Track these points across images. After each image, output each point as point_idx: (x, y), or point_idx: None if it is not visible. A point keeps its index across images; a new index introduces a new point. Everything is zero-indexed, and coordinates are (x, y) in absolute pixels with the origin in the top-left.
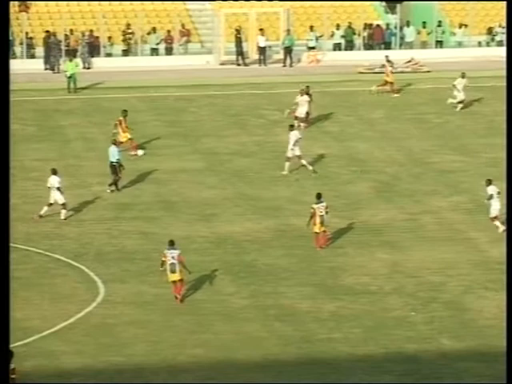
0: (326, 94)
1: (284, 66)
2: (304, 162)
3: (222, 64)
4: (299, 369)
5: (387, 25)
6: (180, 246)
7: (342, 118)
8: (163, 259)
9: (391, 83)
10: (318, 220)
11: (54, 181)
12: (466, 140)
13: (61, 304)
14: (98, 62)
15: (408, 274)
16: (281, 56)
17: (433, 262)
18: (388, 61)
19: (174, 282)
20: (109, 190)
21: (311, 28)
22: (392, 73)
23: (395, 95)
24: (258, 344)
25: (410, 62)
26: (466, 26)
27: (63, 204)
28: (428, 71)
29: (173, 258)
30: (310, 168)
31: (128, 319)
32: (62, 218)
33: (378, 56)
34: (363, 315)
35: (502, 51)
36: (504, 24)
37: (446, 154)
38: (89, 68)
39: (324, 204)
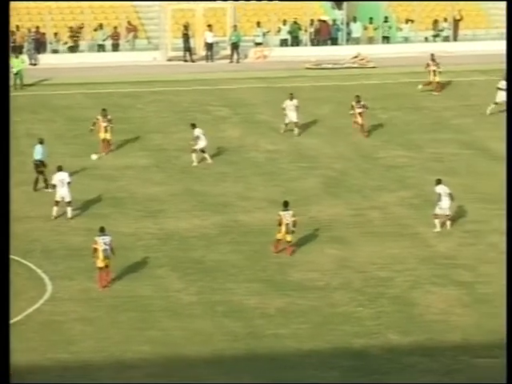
0: (273, 90)
1: (231, 61)
2: (206, 155)
3: (169, 60)
4: (247, 364)
5: (334, 20)
6: (127, 242)
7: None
8: (95, 246)
9: (437, 82)
10: (283, 228)
11: (63, 176)
12: (412, 135)
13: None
14: (45, 59)
15: (355, 270)
16: (228, 52)
17: (380, 258)
18: (433, 59)
19: (103, 268)
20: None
21: (258, 24)
22: (437, 72)
23: (436, 93)
24: (205, 340)
25: (356, 57)
26: (412, 21)
27: (69, 202)
28: (374, 67)
29: (105, 244)
30: (209, 161)
31: (75, 316)
32: (69, 216)
33: (324, 52)
34: (311, 311)
35: (448, 46)
36: (449, 19)
37: (392, 150)
38: (35, 64)
39: (290, 212)
